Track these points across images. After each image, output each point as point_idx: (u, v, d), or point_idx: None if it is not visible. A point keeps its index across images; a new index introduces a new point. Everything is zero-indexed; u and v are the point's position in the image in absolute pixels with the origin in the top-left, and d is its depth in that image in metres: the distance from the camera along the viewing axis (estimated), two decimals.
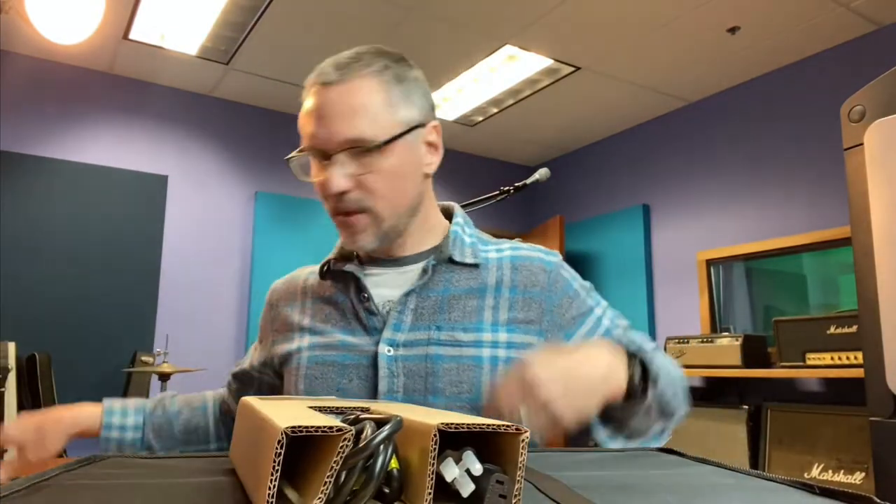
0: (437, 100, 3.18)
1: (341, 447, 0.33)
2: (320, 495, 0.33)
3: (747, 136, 3.54)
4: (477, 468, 0.37)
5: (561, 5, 2.90)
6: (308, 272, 0.97)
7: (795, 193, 3.27)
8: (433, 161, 0.87)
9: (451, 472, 0.37)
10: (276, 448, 0.31)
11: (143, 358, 3.36)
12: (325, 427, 0.33)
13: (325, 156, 0.80)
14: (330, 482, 0.33)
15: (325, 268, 0.92)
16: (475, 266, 0.86)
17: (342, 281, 0.90)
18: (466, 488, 0.37)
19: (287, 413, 0.40)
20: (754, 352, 3.00)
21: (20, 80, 3.43)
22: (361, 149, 0.78)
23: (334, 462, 0.33)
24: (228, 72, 3.64)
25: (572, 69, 3.50)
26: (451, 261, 0.86)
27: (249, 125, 4.07)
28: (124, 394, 3.24)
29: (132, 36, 3.25)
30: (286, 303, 0.95)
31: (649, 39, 3.18)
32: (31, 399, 3.01)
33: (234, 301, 3.87)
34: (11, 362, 2.92)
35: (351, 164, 0.79)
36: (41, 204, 3.40)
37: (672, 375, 0.81)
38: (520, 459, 0.37)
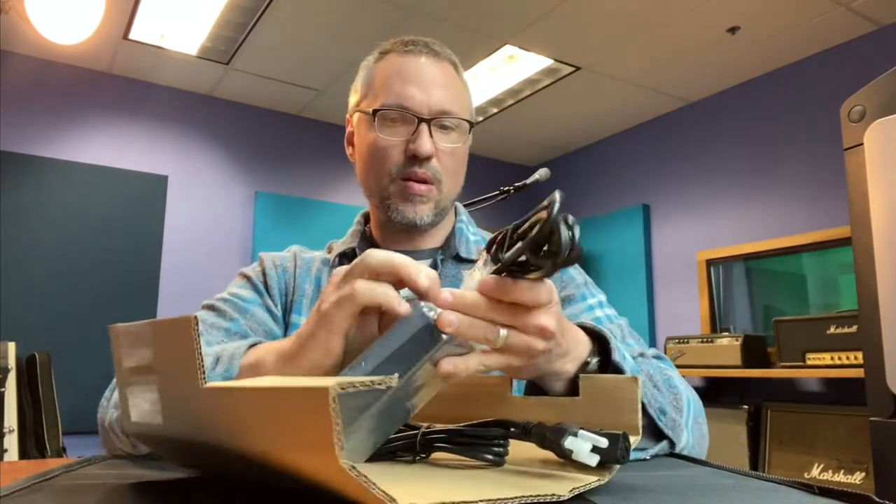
0: None
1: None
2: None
3: (747, 137, 3.54)
4: (602, 441, 0.40)
5: (561, 5, 2.90)
6: (320, 256, 0.93)
7: (795, 193, 3.27)
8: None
9: (581, 446, 0.40)
10: (333, 405, 0.30)
11: None
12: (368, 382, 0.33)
13: (413, 119, 0.80)
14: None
15: (337, 259, 0.89)
16: None
17: None
18: (593, 460, 0.40)
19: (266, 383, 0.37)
20: (754, 352, 3.00)
21: (20, 80, 3.43)
22: (453, 120, 0.81)
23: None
24: (228, 72, 3.64)
25: (572, 69, 3.49)
26: (457, 257, 0.88)
27: (249, 125, 4.07)
28: None
29: (132, 36, 3.25)
30: (304, 276, 0.89)
31: (649, 39, 3.18)
32: (31, 399, 3.00)
33: None
34: (11, 362, 2.92)
35: (438, 135, 0.81)
36: (41, 204, 3.40)
37: (670, 386, 0.67)
38: None
